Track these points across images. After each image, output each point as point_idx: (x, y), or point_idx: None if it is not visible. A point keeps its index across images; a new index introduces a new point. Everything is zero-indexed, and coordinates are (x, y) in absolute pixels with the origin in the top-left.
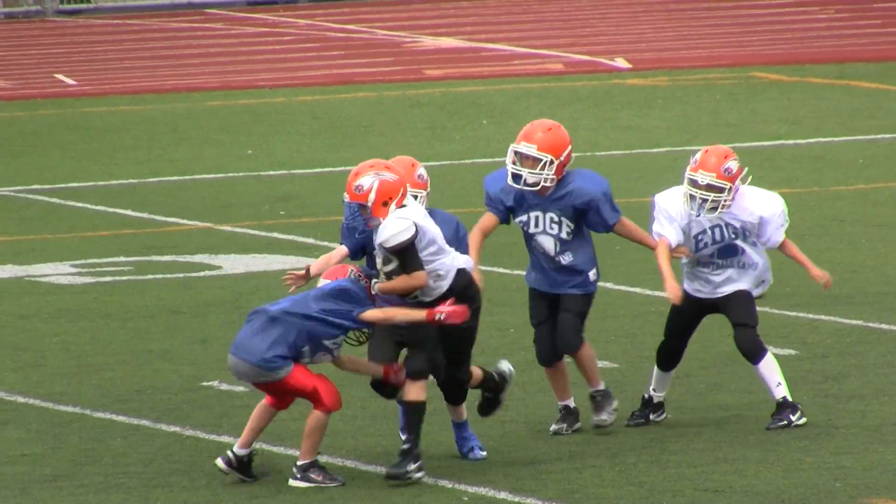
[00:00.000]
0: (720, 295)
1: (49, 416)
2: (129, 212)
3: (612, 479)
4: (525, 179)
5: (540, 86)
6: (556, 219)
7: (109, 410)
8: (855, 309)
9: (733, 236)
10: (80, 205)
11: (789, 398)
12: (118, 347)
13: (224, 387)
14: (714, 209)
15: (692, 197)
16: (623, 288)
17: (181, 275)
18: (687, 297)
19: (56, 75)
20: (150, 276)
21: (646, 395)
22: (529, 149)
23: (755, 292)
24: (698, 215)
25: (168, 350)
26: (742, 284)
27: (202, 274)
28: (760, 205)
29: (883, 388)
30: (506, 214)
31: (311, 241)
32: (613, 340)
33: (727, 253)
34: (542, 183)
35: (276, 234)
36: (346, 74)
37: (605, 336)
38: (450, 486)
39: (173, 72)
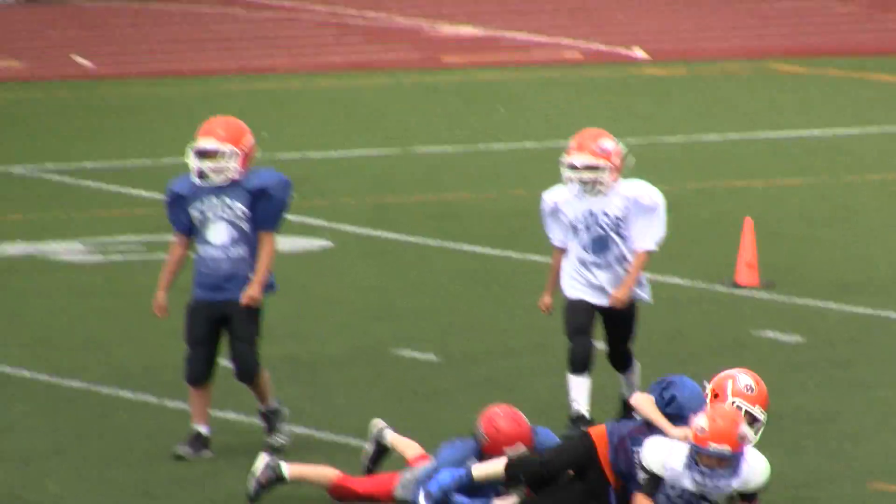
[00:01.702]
0: (604, 303)
1: (55, 391)
2: (142, 192)
3: None
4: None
5: (557, 74)
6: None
7: (115, 386)
8: (864, 297)
9: (604, 226)
10: (93, 184)
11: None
12: (126, 325)
13: (230, 364)
14: (596, 190)
15: (573, 182)
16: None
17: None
18: (576, 301)
19: (74, 57)
20: (162, 256)
21: (573, 413)
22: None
23: (643, 296)
24: (580, 199)
25: (176, 328)
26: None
27: None
28: (636, 190)
29: (890, 375)
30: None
31: (323, 223)
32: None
33: (600, 247)
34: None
35: (288, 216)
36: (364, 60)
37: None
38: None
39: (191, 55)
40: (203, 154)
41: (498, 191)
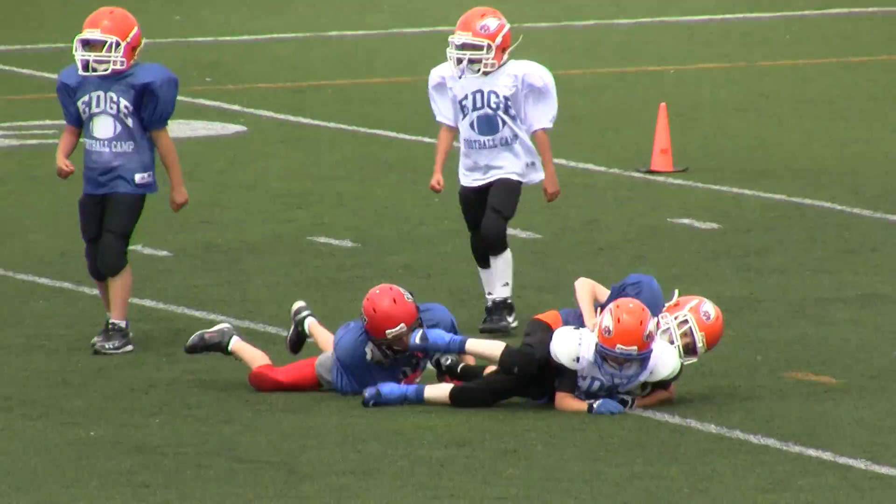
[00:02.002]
0: (491, 179)
1: None
2: (56, 76)
3: None
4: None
5: None
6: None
7: (33, 273)
8: (779, 183)
9: (494, 107)
10: (6, 68)
11: (510, 300)
12: (43, 210)
13: (147, 251)
14: (478, 69)
15: (457, 61)
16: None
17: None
18: (468, 190)
19: None
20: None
21: (488, 303)
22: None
23: (527, 178)
24: (460, 76)
25: None
26: (511, 173)
27: None
28: (524, 68)
29: (805, 262)
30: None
31: (236, 108)
32: (537, 211)
33: (485, 127)
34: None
35: (202, 101)
36: None
37: (529, 207)
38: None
39: None
40: (87, 44)
41: (412, 76)
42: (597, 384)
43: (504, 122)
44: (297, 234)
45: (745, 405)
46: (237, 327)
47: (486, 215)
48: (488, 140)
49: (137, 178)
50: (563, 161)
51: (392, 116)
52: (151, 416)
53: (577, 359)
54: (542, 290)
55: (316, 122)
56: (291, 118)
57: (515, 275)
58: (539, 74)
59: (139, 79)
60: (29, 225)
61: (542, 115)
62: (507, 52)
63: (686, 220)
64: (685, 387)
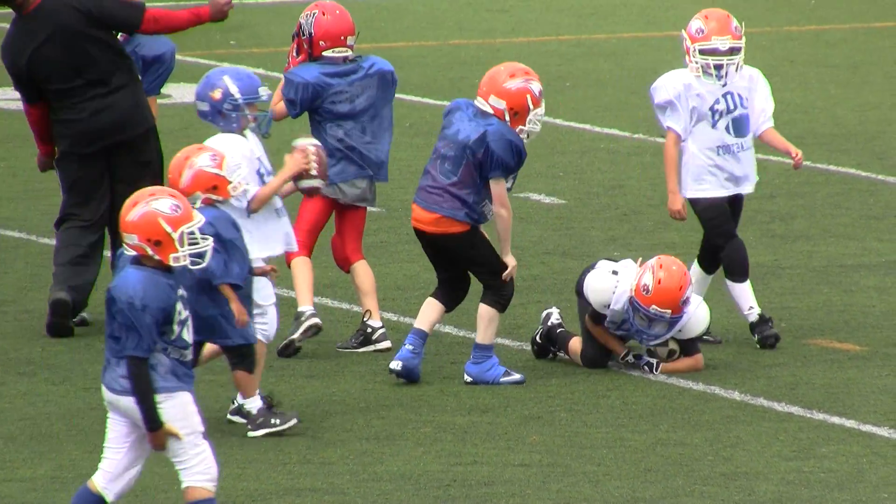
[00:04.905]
0: (737, 191)
1: None
2: None
3: None
4: None
5: None
6: None
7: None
8: (804, 149)
9: (745, 108)
10: None
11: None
12: None
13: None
14: (733, 73)
15: (717, 67)
16: (572, 124)
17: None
18: (718, 202)
19: None
20: None
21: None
22: None
23: None
24: (725, 84)
25: None
26: (753, 185)
27: None
28: (751, 69)
29: (829, 228)
30: None
31: (261, 71)
32: (561, 177)
33: (740, 129)
34: None
35: (226, 64)
36: None
37: (552, 172)
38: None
39: None
40: None
41: (437, 40)
42: (622, 328)
43: (749, 123)
44: None
45: (768, 372)
46: None
47: (738, 242)
48: (744, 143)
49: None
50: (587, 126)
51: (417, 80)
52: None
53: (608, 306)
54: (566, 256)
55: None
56: None
57: (539, 241)
58: (759, 72)
59: (147, 50)
60: (51, 188)
61: (768, 114)
62: None
63: None
64: (709, 354)
